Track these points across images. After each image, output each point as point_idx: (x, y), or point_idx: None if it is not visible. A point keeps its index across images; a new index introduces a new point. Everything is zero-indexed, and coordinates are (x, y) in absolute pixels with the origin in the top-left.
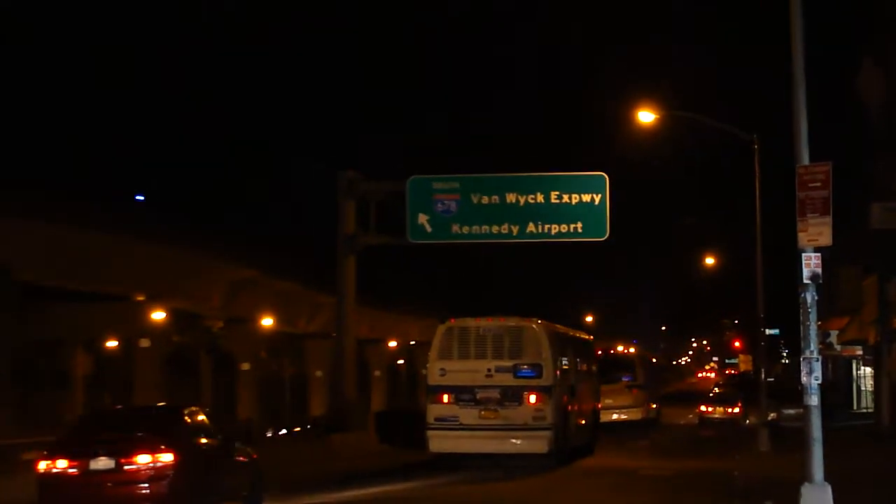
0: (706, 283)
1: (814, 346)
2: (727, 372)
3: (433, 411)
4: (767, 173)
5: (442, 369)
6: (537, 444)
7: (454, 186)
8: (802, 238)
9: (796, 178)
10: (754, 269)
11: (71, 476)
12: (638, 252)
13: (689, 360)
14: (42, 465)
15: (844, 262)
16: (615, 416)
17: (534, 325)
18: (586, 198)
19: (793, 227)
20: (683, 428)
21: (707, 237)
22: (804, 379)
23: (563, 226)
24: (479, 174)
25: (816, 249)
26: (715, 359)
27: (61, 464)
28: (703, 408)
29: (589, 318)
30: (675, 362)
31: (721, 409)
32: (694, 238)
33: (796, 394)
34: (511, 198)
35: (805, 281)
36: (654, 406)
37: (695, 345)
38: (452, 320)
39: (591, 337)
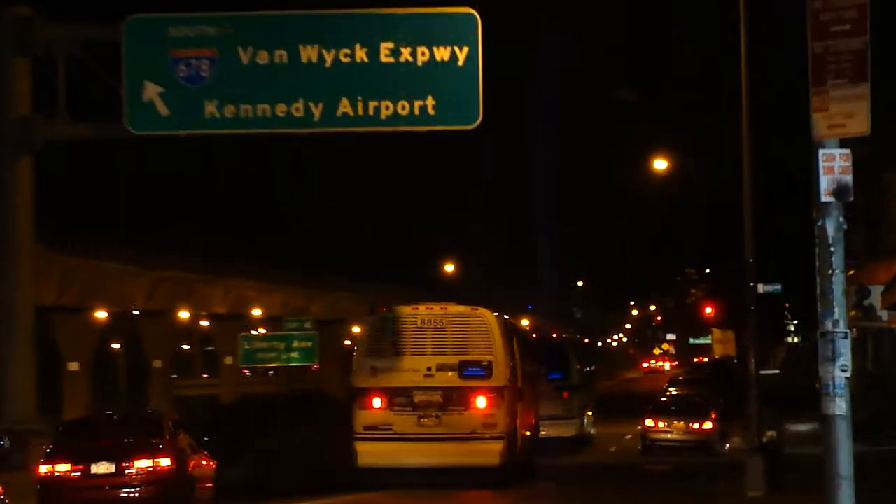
0: (656, 208)
1: (839, 312)
2: (694, 360)
3: (361, 418)
4: (763, 13)
5: (372, 368)
6: (488, 455)
7: (207, 34)
8: (820, 123)
9: (808, 17)
10: (738, 181)
11: (72, 479)
12: (534, 153)
13: (624, 340)
14: (43, 469)
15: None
16: (541, 432)
17: (484, 315)
18: (442, 54)
19: (803, 110)
20: (621, 455)
21: (658, 127)
22: (823, 370)
23: (403, 104)
24: (251, 12)
25: (843, 143)
26: (671, 337)
27: (62, 467)
28: (648, 422)
29: (449, 268)
30: (599, 343)
31: (680, 423)
32: (635, 128)
33: (811, 396)
34: (309, 54)
35: (824, 198)
36: (591, 414)
37: (636, 314)
38: (383, 308)
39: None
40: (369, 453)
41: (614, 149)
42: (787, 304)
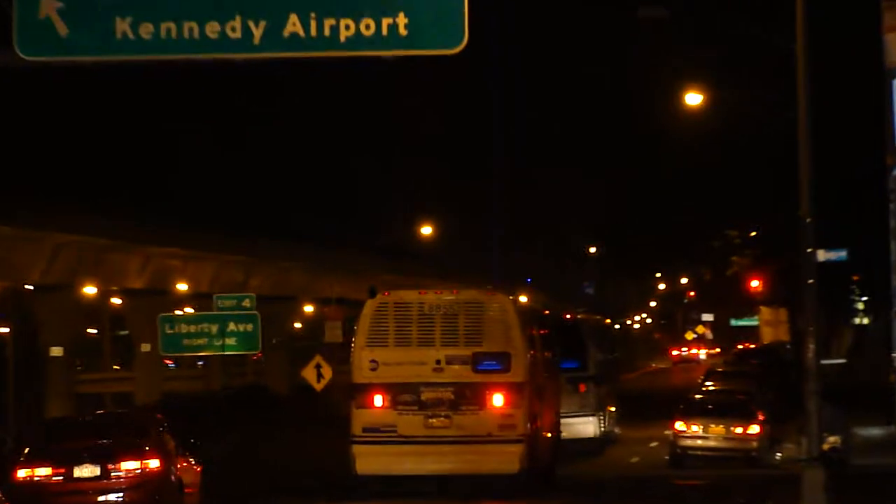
0: (689, 156)
1: None
2: (738, 347)
3: (360, 418)
4: None
5: (373, 361)
6: (506, 460)
7: None
8: (894, 46)
9: None
10: (793, 121)
11: (54, 483)
12: (530, 83)
13: (648, 321)
14: (21, 473)
15: None
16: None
17: (500, 300)
18: None
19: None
20: (644, 466)
21: (691, 54)
22: None
23: (368, 22)
24: None
25: None
26: (707, 317)
27: (43, 471)
28: (679, 426)
29: (426, 231)
30: (617, 326)
31: (719, 427)
32: (661, 55)
33: (884, 392)
34: None
35: None
36: (614, 410)
37: (663, 288)
38: (387, 293)
39: (547, 311)
40: (369, 459)
41: (635, 79)
42: (856, 277)
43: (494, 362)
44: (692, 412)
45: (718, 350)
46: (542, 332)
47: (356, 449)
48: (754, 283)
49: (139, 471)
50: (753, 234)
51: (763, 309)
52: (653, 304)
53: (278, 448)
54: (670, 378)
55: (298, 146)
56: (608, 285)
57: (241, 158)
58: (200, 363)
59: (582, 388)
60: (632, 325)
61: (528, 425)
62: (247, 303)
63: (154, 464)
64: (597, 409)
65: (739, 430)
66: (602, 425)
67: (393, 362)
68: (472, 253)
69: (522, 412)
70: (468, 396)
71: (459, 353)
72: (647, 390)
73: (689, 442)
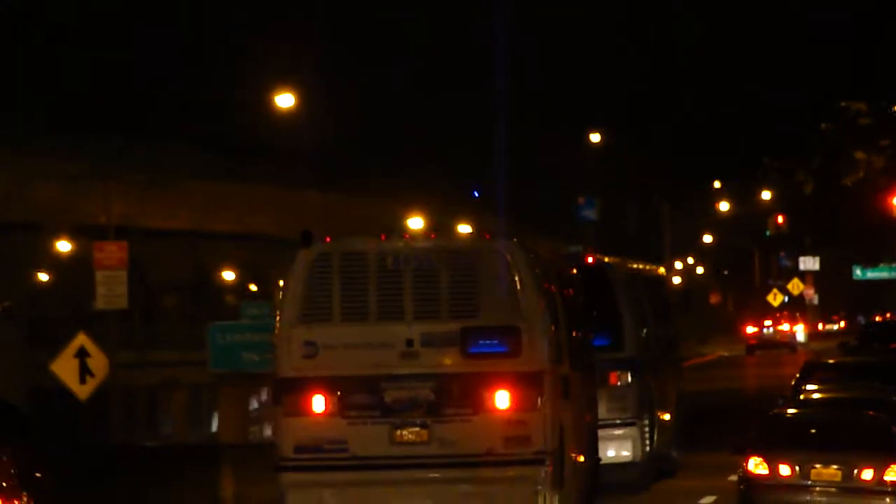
0: None
1: None
2: (871, 319)
3: (291, 433)
4: None
5: (308, 344)
6: (517, 495)
7: None
8: None
9: None
10: None
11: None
12: None
13: (699, 272)
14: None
15: None
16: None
17: (504, 248)
18: None
19: None
20: None
21: None
22: None
23: None
24: None
25: None
26: (809, 264)
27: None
28: (755, 466)
29: (286, 101)
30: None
31: (832, 469)
32: None
33: None
34: None
35: None
36: (669, 417)
37: (727, 210)
38: (328, 238)
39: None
40: (306, 496)
41: None
42: None
43: (496, 342)
44: (780, 441)
45: (843, 324)
46: (569, 293)
47: (287, 479)
48: None
49: None
50: None
51: None
52: (707, 239)
53: None
54: (739, 375)
55: None
56: (623, 206)
57: None
58: None
59: (613, 378)
60: (669, 278)
61: (552, 437)
62: None
63: None
64: (638, 415)
65: (869, 474)
66: (647, 442)
67: (340, 345)
68: (371, 154)
69: (542, 416)
70: (456, 395)
71: (442, 330)
72: (696, 398)
73: (773, 496)
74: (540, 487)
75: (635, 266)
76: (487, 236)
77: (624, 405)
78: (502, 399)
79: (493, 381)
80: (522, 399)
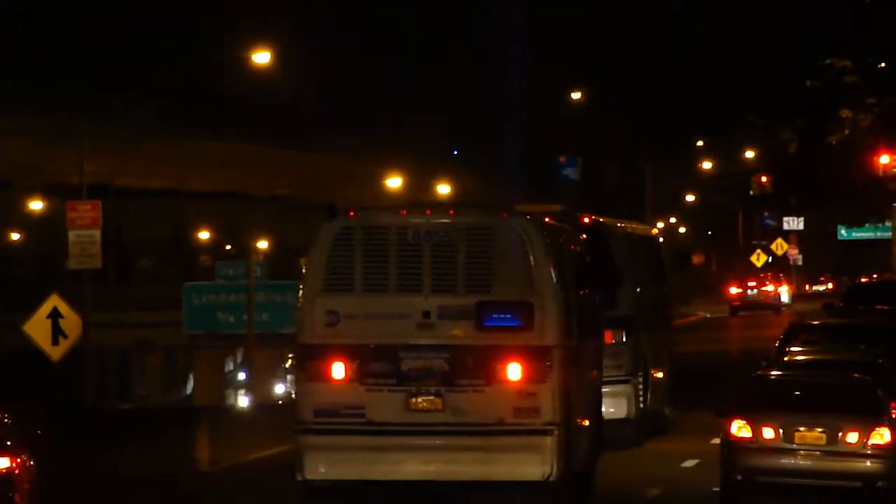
0: None
1: None
2: (859, 280)
3: (312, 397)
4: None
5: (331, 313)
6: (526, 461)
7: None
8: None
9: None
10: None
11: None
12: None
13: (682, 231)
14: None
15: None
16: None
17: (520, 224)
18: None
19: None
20: (698, 482)
21: None
22: None
23: None
24: None
25: None
26: (793, 224)
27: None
28: (738, 429)
29: (262, 59)
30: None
31: (816, 433)
32: None
33: None
34: None
35: None
36: (662, 376)
37: (709, 168)
38: (351, 213)
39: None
40: (324, 458)
41: None
42: None
43: (509, 316)
44: (763, 404)
45: (830, 285)
46: (579, 260)
47: (305, 441)
48: (884, 159)
49: None
50: (882, 65)
51: None
52: (690, 198)
53: None
54: (725, 337)
55: None
56: (604, 166)
57: None
58: None
59: (608, 337)
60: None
61: (560, 409)
62: None
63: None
64: (632, 373)
65: (854, 437)
66: (641, 399)
67: (360, 315)
68: (349, 112)
69: (551, 389)
70: (470, 366)
71: (458, 303)
72: (683, 360)
73: (756, 460)
74: (548, 456)
75: (629, 226)
76: (504, 214)
77: (618, 363)
78: (514, 371)
79: (506, 353)
80: (533, 372)
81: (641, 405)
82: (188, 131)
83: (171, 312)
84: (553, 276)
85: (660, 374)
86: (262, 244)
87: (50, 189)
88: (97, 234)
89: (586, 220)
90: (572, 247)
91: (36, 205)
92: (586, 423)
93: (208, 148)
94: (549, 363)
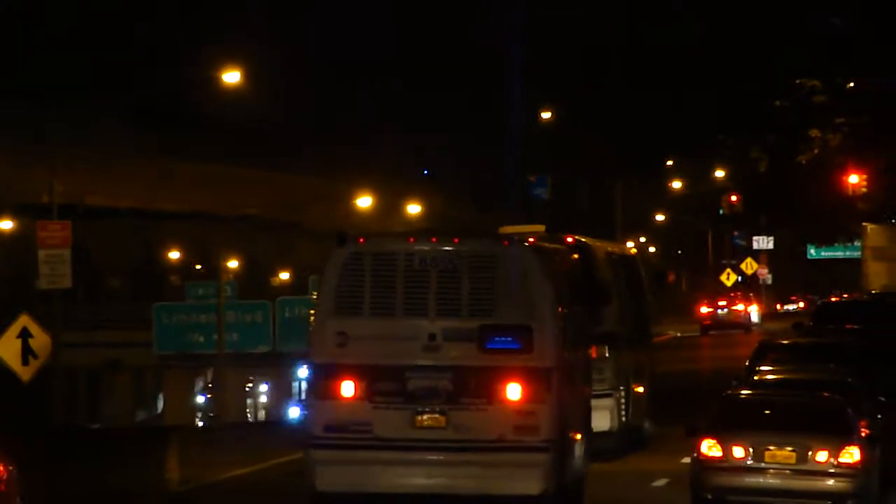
0: None
1: None
2: (829, 299)
3: (322, 414)
4: None
5: (340, 334)
6: (524, 477)
7: None
8: None
9: None
10: None
11: None
12: None
13: (652, 251)
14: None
15: None
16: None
17: (521, 252)
18: None
19: None
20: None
21: None
22: None
23: None
24: None
25: None
26: (762, 243)
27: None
28: (708, 448)
29: (230, 78)
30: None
31: (786, 452)
32: None
33: None
34: None
35: None
36: (643, 390)
37: (679, 188)
38: (361, 239)
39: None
40: (334, 471)
41: None
42: None
43: (510, 339)
44: (733, 423)
45: (802, 304)
46: (573, 280)
47: (316, 456)
48: (853, 179)
49: None
50: (850, 85)
51: (869, 228)
52: (660, 218)
53: None
54: (696, 356)
55: None
56: (575, 185)
57: None
58: None
59: (592, 352)
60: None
61: (557, 427)
62: None
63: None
64: (615, 387)
65: (824, 455)
66: (623, 413)
67: (369, 336)
68: (320, 132)
69: (549, 408)
70: (472, 386)
71: (462, 326)
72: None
73: (726, 479)
74: (546, 472)
75: (608, 246)
76: (506, 242)
77: (602, 377)
78: (514, 391)
79: (507, 374)
80: (533, 392)
81: (623, 418)
82: (158, 152)
83: (142, 332)
84: (551, 301)
85: (640, 389)
86: (233, 264)
87: (19, 209)
88: (67, 253)
89: (569, 239)
90: (566, 268)
91: (5, 224)
92: (578, 436)
93: (178, 168)
94: (547, 384)
